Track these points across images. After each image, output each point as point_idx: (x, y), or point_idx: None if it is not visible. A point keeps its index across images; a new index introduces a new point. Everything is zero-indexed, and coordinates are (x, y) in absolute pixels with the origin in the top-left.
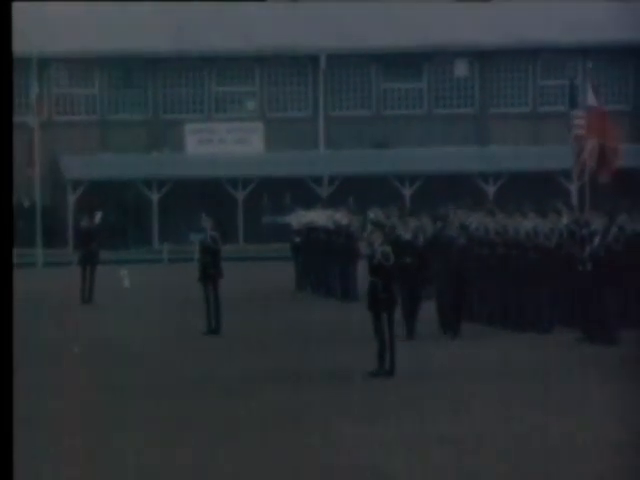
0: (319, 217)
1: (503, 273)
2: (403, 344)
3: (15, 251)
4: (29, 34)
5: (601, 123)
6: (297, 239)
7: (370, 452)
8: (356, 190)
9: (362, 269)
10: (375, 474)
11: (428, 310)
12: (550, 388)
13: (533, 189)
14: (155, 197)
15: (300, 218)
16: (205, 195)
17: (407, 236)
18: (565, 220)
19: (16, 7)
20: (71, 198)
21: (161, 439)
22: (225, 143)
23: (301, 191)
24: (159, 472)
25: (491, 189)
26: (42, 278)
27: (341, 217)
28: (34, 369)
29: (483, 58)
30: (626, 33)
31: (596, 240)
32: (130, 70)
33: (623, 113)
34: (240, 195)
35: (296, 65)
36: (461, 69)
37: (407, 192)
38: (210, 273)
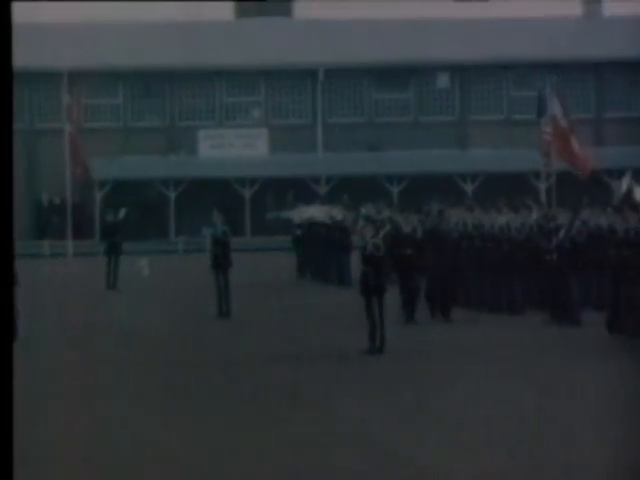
0: (317, 213)
1: (480, 263)
2: (401, 327)
3: (48, 242)
4: (61, 51)
5: (566, 130)
6: (298, 232)
7: (361, 418)
8: (350, 188)
9: (355, 259)
10: (365, 437)
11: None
12: (520, 362)
13: (507, 188)
14: (172, 195)
15: (301, 214)
16: (216, 193)
17: (407, 229)
18: (535, 215)
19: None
20: (98, 196)
21: (175, 405)
22: (234, 147)
23: (301, 190)
24: (175, 431)
25: (469, 188)
26: (72, 267)
27: (337, 213)
28: (67, 343)
29: (462, 72)
30: (587, 51)
31: (562, 233)
32: (149, 83)
33: (585, 120)
34: (247, 193)
35: (297, 78)
36: (443, 82)
37: (395, 190)
38: (221, 262)
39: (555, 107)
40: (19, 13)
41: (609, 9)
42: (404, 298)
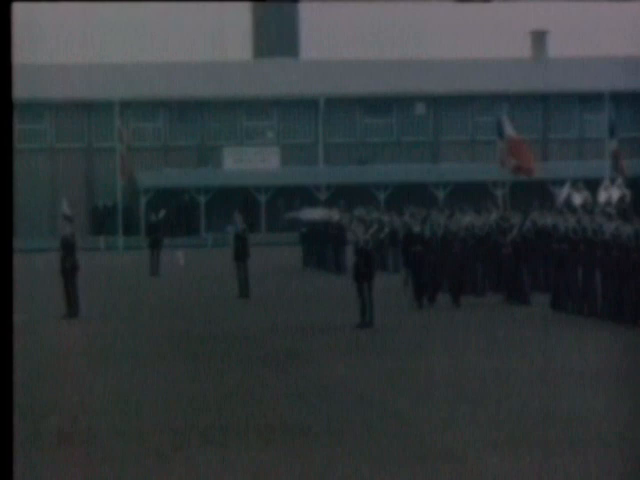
0: (319, 214)
1: (449, 255)
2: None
3: (104, 238)
4: (114, 86)
5: (518, 147)
6: (303, 230)
7: (348, 375)
8: (345, 195)
9: (349, 251)
10: (349, 388)
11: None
12: (480, 332)
13: (471, 194)
14: (202, 200)
15: (305, 215)
16: (238, 198)
17: (417, 229)
18: (493, 216)
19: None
20: (143, 201)
21: (206, 363)
22: (252, 162)
23: (306, 196)
24: (207, 381)
25: (441, 195)
26: (123, 258)
27: (334, 214)
28: (118, 317)
29: (435, 102)
30: (535, 85)
31: (515, 230)
32: (184, 110)
33: (533, 140)
34: (262, 199)
35: (302, 107)
36: (419, 110)
37: (381, 197)
38: (241, 254)
39: (509, 129)
40: (94, 54)
41: (553, 52)
42: (415, 288)
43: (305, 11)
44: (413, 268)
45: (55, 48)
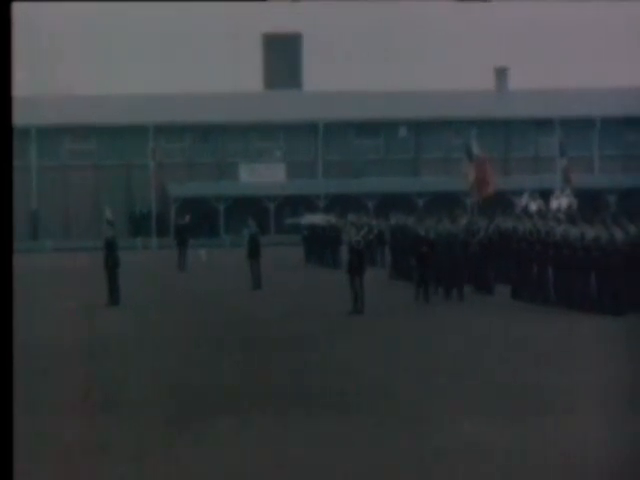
0: (318, 219)
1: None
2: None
3: (140, 239)
4: (148, 112)
5: (482, 165)
6: (305, 232)
7: (342, 352)
8: (340, 203)
9: (343, 250)
10: (341, 360)
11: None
12: (451, 316)
13: (445, 203)
14: (221, 207)
15: (307, 220)
16: (251, 206)
17: (422, 232)
18: (464, 221)
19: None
20: (172, 208)
21: (224, 344)
22: (263, 176)
23: (308, 204)
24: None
25: (420, 203)
26: (156, 256)
27: (331, 219)
28: (152, 305)
29: (417, 126)
30: (498, 112)
31: (481, 232)
32: (206, 133)
33: (497, 158)
34: (271, 206)
35: (305, 130)
36: (402, 132)
37: (370, 205)
38: (254, 253)
39: (476, 149)
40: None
41: (512, 85)
42: (419, 285)
43: (308, 51)
44: (420, 266)
45: (100, 79)
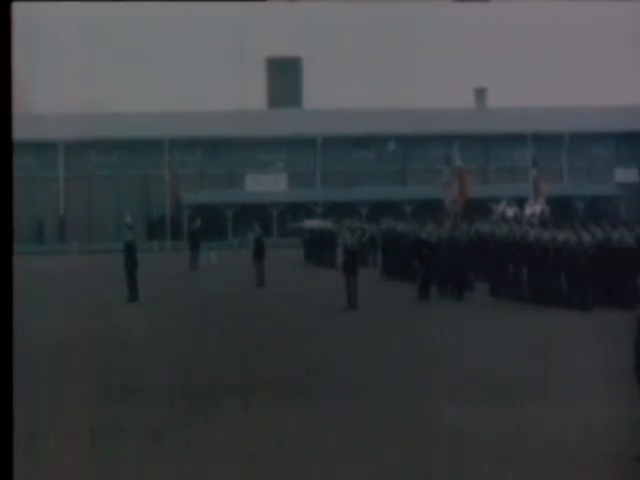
0: (317, 224)
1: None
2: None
3: (156, 242)
4: (164, 128)
5: (462, 175)
6: (305, 235)
7: (337, 344)
8: (337, 210)
9: (339, 252)
10: (335, 351)
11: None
12: (434, 312)
13: (430, 209)
14: (229, 213)
15: (307, 224)
16: (256, 212)
17: (424, 236)
18: (447, 225)
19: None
20: (185, 213)
21: (231, 336)
22: (267, 185)
23: (307, 210)
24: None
25: (408, 209)
26: (170, 257)
27: (328, 224)
28: (167, 301)
29: (404, 140)
30: (477, 128)
31: (463, 235)
32: (216, 146)
33: (477, 169)
34: (275, 212)
35: (305, 144)
36: (392, 146)
37: (364, 211)
38: (259, 254)
39: (458, 160)
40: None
41: (491, 104)
42: (421, 284)
43: (307, 73)
44: (423, 267)
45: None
